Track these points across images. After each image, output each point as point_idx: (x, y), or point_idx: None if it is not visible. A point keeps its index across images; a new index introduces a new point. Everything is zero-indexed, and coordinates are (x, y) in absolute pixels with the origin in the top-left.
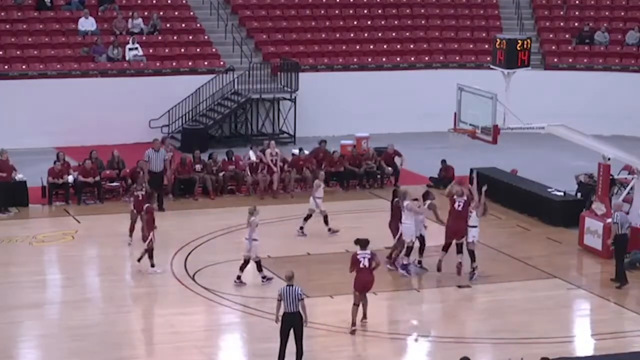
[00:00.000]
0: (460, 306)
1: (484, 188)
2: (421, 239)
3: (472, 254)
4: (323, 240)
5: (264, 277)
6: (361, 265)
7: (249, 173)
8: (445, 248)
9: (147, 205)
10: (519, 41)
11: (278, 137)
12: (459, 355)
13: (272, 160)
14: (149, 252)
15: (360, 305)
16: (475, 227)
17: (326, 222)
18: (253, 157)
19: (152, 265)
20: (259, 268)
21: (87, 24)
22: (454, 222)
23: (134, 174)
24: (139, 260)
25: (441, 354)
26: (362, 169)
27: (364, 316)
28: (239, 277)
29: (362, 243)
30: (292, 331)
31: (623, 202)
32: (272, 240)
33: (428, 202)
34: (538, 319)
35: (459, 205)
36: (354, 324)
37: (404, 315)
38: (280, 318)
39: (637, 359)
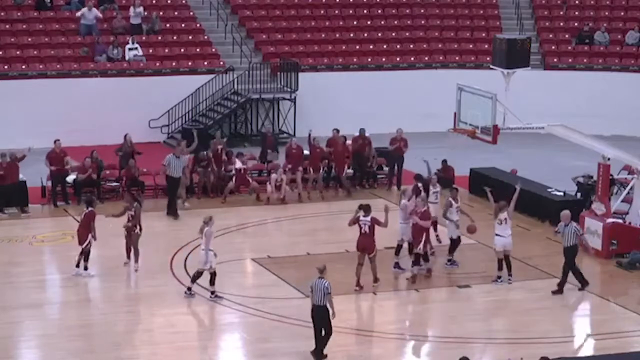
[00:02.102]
0: (460, 306)
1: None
2: (457, 240)
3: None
4: (323, 240)
5: (212, 293)
6: (362, 231)
7: (233, 180)
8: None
9: (90, 209)
10: (519, 41)
11: (278, 137)
12: (458, 355)
13: (276, 184)
14: (85, 254)
15: (370, 268)
16: (499, 235)
17: (435, 228)
18: (238, 165)
19: (86, 268)
20: (212, 281)
21: (89, 15)
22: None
23: (128, 172)
24: (77, 265)
25: (441, 354)
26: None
27: (375, 279)
28: (189, 289)
29: (365, 208)
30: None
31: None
32: (272, 240)
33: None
34: (538, 319)
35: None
36: (357, 282)
37: (404, 315)
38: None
39: (637, 359)
